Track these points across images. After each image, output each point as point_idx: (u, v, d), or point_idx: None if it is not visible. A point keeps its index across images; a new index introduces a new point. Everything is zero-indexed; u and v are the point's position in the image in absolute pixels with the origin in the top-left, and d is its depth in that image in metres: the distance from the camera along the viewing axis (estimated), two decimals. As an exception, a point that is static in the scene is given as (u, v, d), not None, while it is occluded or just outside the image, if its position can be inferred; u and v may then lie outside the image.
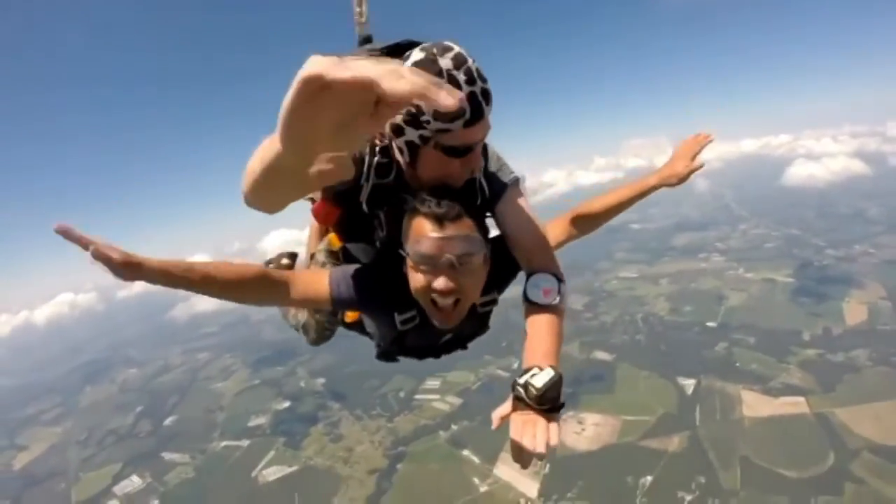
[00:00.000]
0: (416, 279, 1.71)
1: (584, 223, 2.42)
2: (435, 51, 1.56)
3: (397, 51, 1.72)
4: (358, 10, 2.40)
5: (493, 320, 2.34)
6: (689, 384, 42.01)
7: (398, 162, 1.85)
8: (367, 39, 2.40)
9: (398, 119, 1.62)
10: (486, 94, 1.60)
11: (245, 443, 47.17)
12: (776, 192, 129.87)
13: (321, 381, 55.88)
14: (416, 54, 1.59)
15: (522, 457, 1.38)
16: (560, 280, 1.85)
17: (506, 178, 2.02)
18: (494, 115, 1.71)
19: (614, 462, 34.68)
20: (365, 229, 2.04)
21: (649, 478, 32.78)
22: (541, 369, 1.49)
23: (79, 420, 63.28)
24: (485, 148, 1.99)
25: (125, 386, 71.76)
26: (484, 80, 1.59)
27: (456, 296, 1.70)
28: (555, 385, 1.45)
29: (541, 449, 1.33)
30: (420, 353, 2.37)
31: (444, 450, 39.62)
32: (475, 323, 2.23)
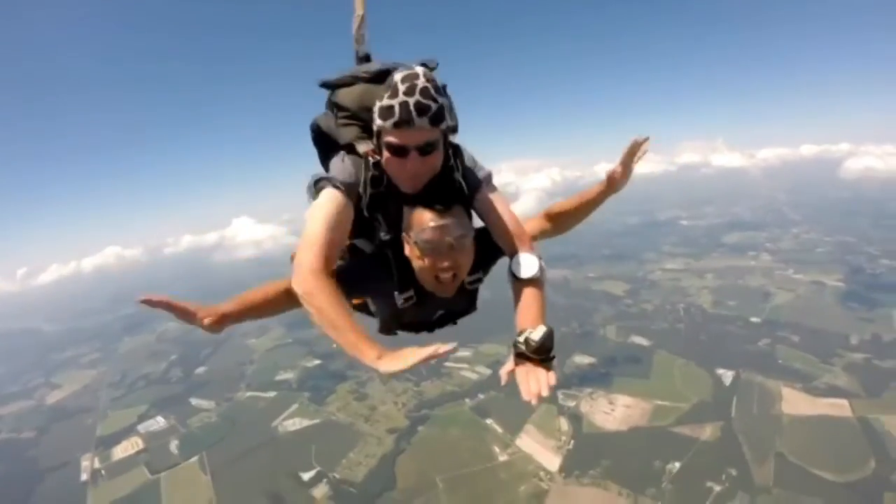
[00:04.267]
0: (421, 261, 2.06)
1: (558, 219, 2.61)
2: (397, 69, 1.94)
3: (383, 76, 2.07)
4: (357, 32, 2.80)
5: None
6: (727, 375, 40.81)
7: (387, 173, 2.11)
8: (365, 58, 2.81)
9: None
10: (422, 108, 1.81)
11: (271, 394, 48.61)
12: (831, 199, 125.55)
13: (355, 343, 55.78)
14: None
15: (531, 393, 1.65)
16: (539, 257, 2.18)
17: (480, 175, 2.32)
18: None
19: (642, 445, 34.02)
20: (366, 227, 2.34)
21: (677, 464, 31.99)
22: (534, 327, 1.78)
23: (114, 365, 66.78)
24: (459, 153, 2.26)
25: (162, 336, 74.57)
26: (428, 97, 1.82)
27: (456, 270, 2.08)
28: (549, 337, 1.73)
29: (545, 391, 1.63)
30: (416, 326, 2.71)
31: (468, 417, 39.65)
32: (465, 300, 2.58)
